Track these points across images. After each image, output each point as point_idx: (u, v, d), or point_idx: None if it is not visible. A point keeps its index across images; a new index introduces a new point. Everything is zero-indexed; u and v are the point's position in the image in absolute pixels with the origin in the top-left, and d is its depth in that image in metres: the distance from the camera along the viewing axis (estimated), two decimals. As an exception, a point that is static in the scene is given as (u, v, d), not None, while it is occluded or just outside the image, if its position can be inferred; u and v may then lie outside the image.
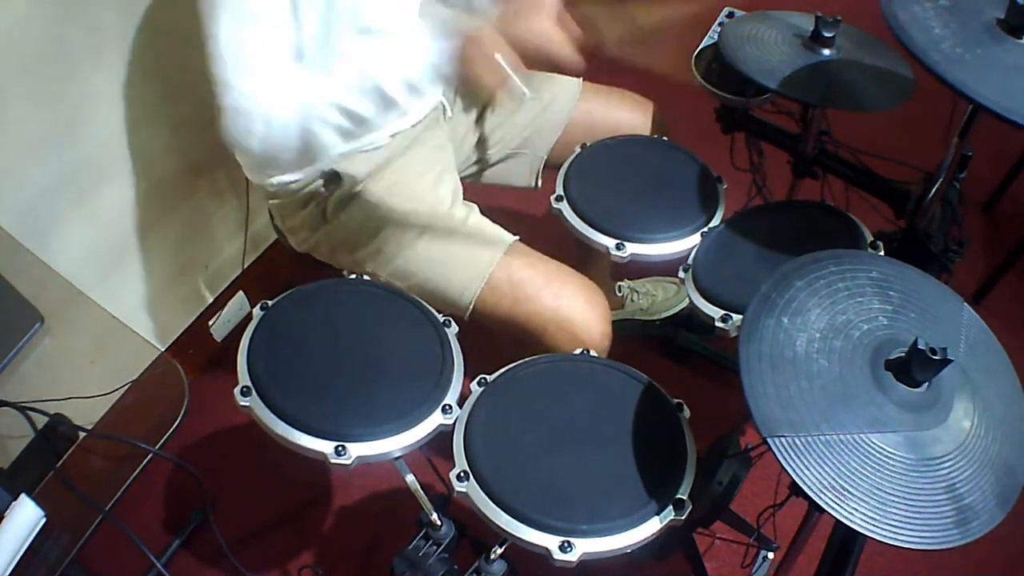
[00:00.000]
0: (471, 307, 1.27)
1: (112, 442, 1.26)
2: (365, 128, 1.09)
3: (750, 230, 1.29)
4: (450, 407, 1.03)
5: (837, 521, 0.74)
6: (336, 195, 1.30)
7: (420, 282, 1.29)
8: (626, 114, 1.54)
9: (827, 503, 0.74)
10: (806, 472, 0.75)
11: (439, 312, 1.16)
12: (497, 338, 1.26)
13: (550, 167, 1.51)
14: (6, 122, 1.23)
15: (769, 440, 0.77)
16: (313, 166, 1.24)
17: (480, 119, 1.52)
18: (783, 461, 0.76)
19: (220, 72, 1.03)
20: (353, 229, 1.31)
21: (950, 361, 0.79)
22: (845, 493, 0.75)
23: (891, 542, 0.74)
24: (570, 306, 1.25)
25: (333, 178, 1.29)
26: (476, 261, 1.27)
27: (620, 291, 1.81)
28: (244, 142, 1.05)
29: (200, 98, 1.21)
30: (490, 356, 1.13)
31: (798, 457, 0.76)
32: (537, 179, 1.56)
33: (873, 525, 0.74)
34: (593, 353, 1.15)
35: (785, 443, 0.76)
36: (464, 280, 1.27)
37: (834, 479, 0.75)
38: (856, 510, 0.74)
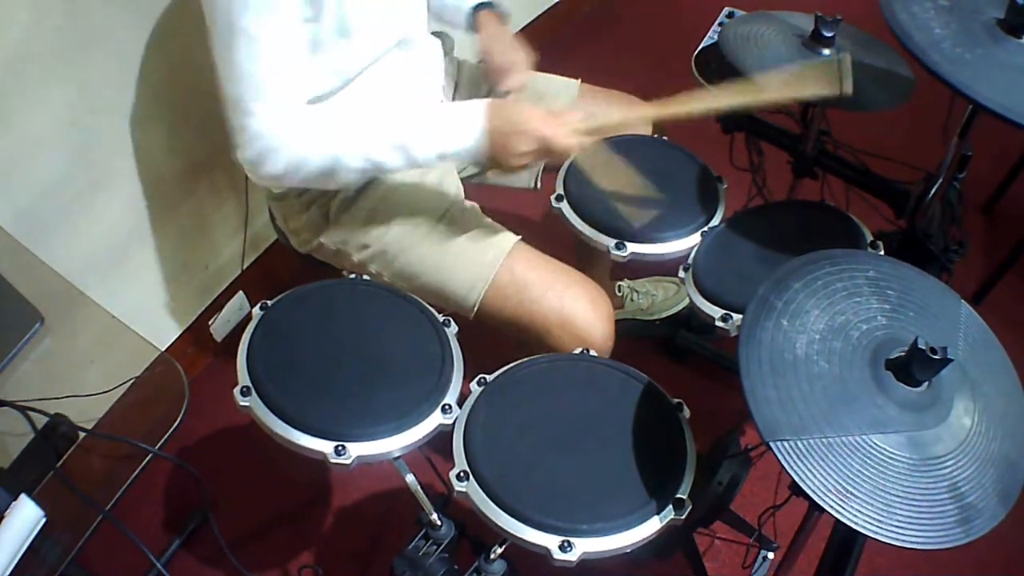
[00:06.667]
0: (476, 307, 1.28)
1: (112, 442, 1.26)
2: (389, 174, 1.13)
3: (750, 230, 1.29)
4: (450, 407, 1.03)
5: (837, 521, 0.74)
6: (339, 197, 1.30)
7: (425, 283, 1.29)
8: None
9: (831, 506, 0.74)
10: (809, 475, 0.75)
11: (443, 312, 1.16)
12: (499, 338, 1.26)
13: (549, 169, 1.51)
14: (7, 122, 1.23)
15: (772, 444, 0.77)
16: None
17: None
18: (786, 465, 0.76)
19: (239, 94, 1.04)
20: (356, 231, 1.30)
21: (950, 360, 0.79)
22: (849, 495, 0.75)
23: (895, 543, 0.74)
24: (574, 307, 1.25)
25: None
26: (480, 262, 1.27)
27: (620, 291, 1.81)
28: (263, 170, 1.09)
29: (200, 98, 1.21)
30: (490, 356, 1.13)
31: (801, 460, 0.76)
32: (537, 181, 1.56)
33: (877, 527, 0.74)
34: (594, 353, 1.15)
35: (788, 447, 0.76)
36: (469, 281, 1.27)
37: (837, 482, 0.75)
38: (860, 512, 0.74)
